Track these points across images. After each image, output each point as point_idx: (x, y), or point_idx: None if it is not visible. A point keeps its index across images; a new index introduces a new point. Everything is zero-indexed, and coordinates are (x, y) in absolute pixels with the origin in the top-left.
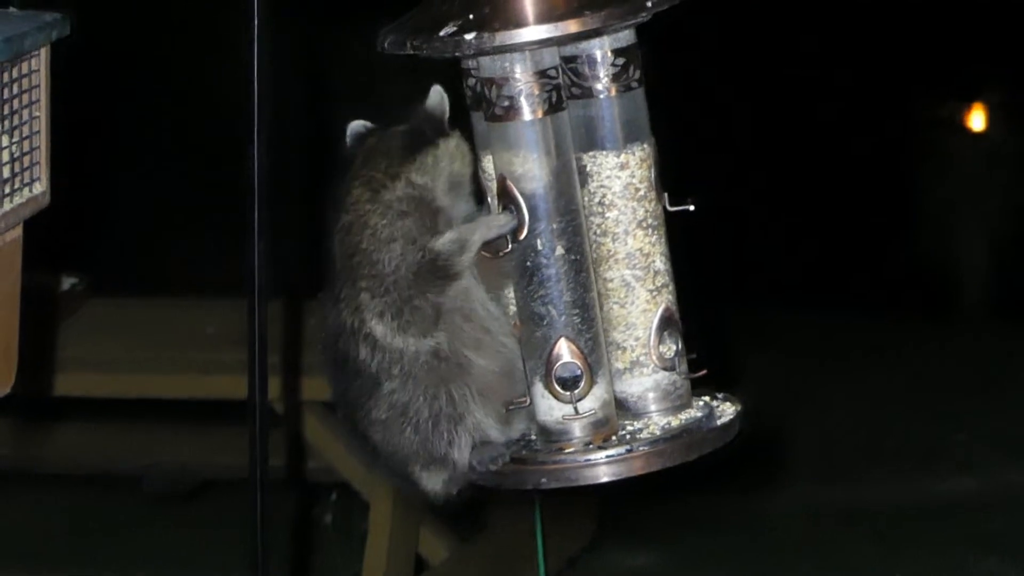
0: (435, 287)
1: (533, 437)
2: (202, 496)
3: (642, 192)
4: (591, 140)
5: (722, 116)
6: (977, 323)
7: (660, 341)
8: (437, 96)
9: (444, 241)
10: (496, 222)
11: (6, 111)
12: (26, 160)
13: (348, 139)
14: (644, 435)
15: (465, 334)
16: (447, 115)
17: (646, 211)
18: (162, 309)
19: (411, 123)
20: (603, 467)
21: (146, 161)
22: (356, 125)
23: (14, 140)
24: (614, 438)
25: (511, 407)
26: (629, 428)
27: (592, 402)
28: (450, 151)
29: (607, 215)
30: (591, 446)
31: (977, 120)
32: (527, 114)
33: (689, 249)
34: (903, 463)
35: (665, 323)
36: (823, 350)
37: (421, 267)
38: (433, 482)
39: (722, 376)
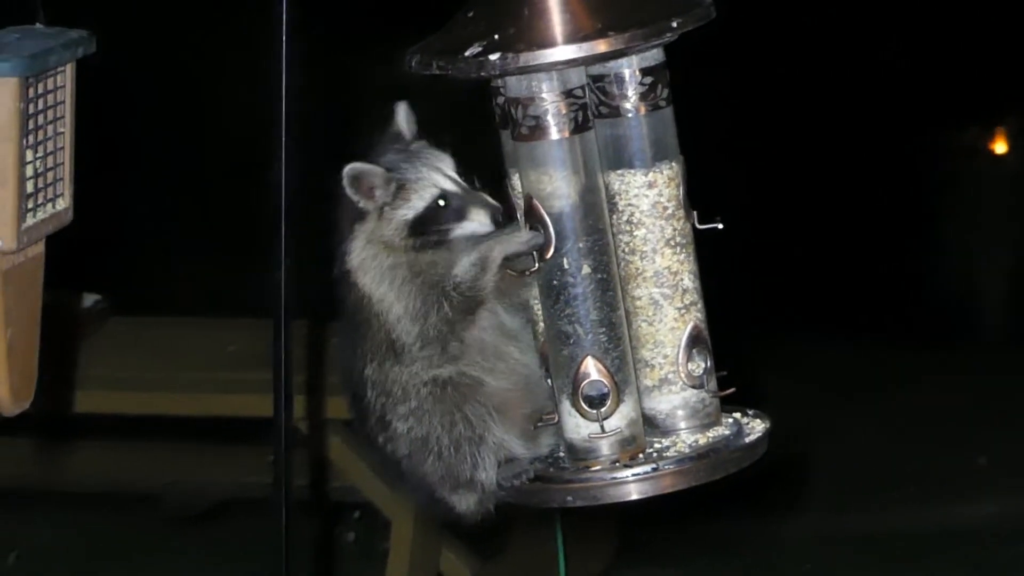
0: (465, 321)
1: (560, 454)
2: (220, 515)
3: (670, 210)
4: (619, 159)
5: (741, 140)
6: (997, 350)
7: (689, 359)
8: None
9: (463, 266)
10: (516, 238)
11: (30, 126)
12: (49, 176)
13: (346, 182)
14: (672, 453)
15: (477, 363)
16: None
17: (674, 229)
18: (183, 328)
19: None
20: (630, 485)
21: (169, 181)
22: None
23: (38, 155)
24: (641, 456)
25: (539, 424)
26: (657, 446)
27: (619, 420)
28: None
29: (635, 233)
30: (618, 464)
31: (999, 146)
32: (554, 133)
33: (716, 269)
34: (922, 489)
35: (694, 341)
36: (843, 376)
37: (452, 303)
38: (465, 504)
39: (744, 399)
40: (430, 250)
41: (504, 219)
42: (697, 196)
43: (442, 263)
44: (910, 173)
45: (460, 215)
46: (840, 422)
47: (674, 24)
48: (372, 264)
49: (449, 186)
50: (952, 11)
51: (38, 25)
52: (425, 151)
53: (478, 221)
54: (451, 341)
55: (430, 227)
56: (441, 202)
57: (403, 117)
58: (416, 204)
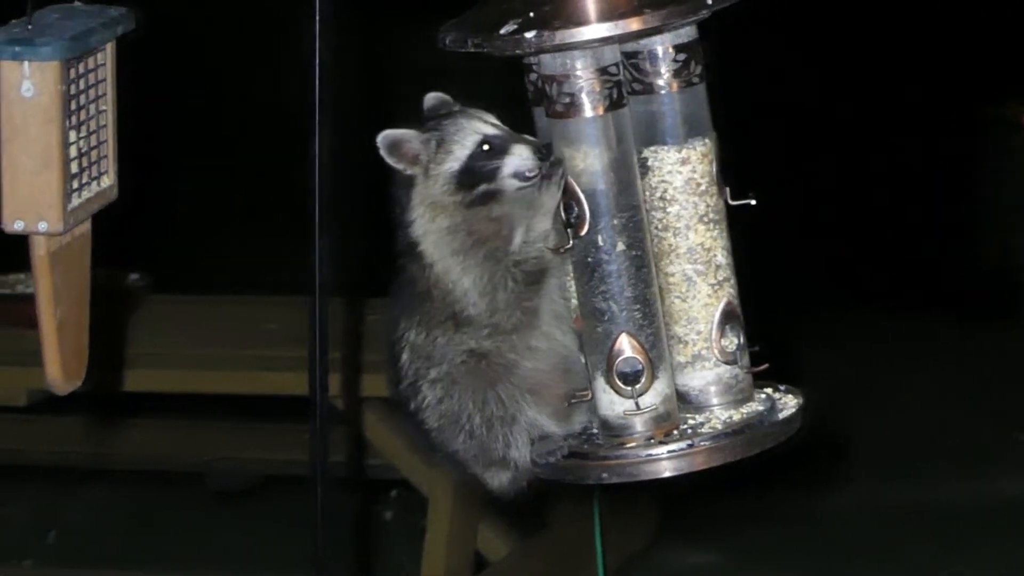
0: (531, 291)
1: (595, 431)
2: (263, 492)
3: (703, 187)
4: (652, 135)
5: (782, 113)
6: None
7: (722, 335)
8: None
9: (518, 244)
10: (547, 202)
11: (73, 107)
12: (94, 155)
13: (383, 150)
14: (706, 429)
15: (519, 342)
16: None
17: (707, 205)
18: (223, 306)
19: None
20: (664, 462)
21: (207, 158)
22: (389, 135)
23: (81, 135)
24: (676, 432)
25: (572, 401)
26: (691, 422)
27: (654, 397)
28: (423, 193)
29: (668, 210)
30: (653, 441)
31: None
32: (588, 111)
33: (751, 244)
34: (964, 462)
35: (727, 317)
36: (884, 348)
37: (517, 279)
38: (498, 481)
39: (783, 373)
40: (482, 206)
41: (546, 152)
42: (733, 172)
43: (503, 223)
44: (947, 145)
45: (502, 152)
46: (880, 396)
47: (710, 1)
48: (432, 229)
49: (491, 131)
50: None
51: (77, 3)
52: (465, 109)
53: (519, 155)
54: (518, 310)
55: (476, 174)
56: (485, 147)
57: (436, 103)
58: (459, 154)
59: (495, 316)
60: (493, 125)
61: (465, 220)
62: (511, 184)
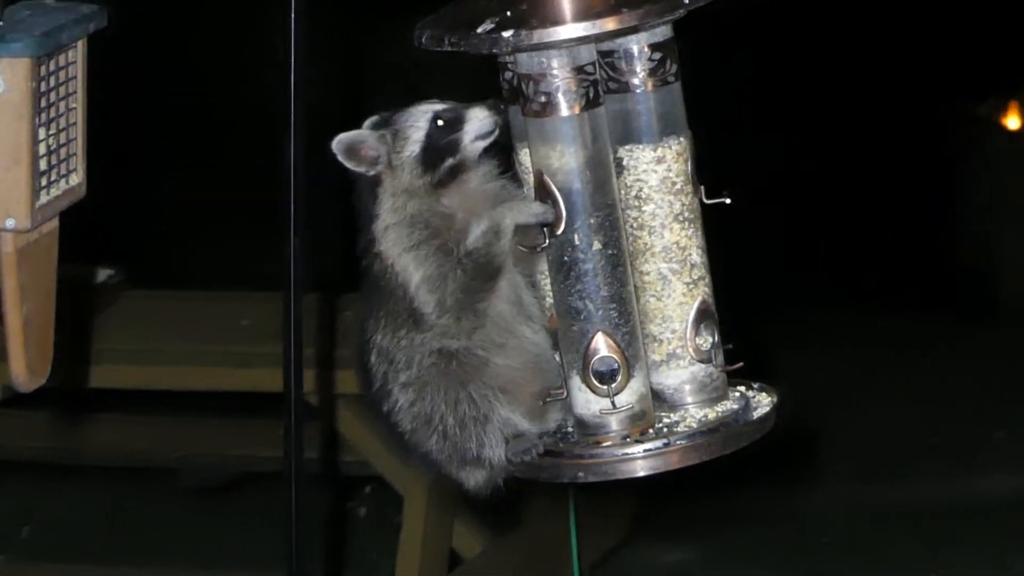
0: (484, 290)
1: (570, 429)
2: (237, 489)
3: (679, 186)
4: (628, 134)
5: (759, 112)
6: (1017, 321)
7: (696, 333)
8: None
9: (475, 235)
10: (528, 208)
11: (43, 104)
12: (63, 152)
13: (340, 155)
14: (681, 428)
15: (490, 340)
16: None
17: (683, 204)
18: (197, 302)
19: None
20: (640, 461)
21: (183, 155)
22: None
23: (51, 132)
24: (651, 431)
25: (548, 400)
26: (666, 420)
27: (629, 396)
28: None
29: (644, 209)
30: (628, 439)
31: (1014, 119)
32: (564, 110)
33: (727, 243)
34: (942, 461)
35: (701, 316)
36: (863, 348)
37: (466, 271)
38: (473, 480)
39: (761, 372)
40: (451, 186)
41: (503, 106)
42: (714, 169)
43: (457, 218)
44: (925, 144)
45: (459, 121)
46: (859, 395)
47: (686, 0)
48: (393, 222)
49: (440, 106)
50: None
51: (49, 0)
52: (409, 102)
53: (477, 118)
54: (468, 311)
55: (439, 151)
56: (439, 122)
57: (377, 119)
58: (416, 136)
59: (445, 315)
60: (440, 102)
61: (431, 208)
62: (467, 145)
